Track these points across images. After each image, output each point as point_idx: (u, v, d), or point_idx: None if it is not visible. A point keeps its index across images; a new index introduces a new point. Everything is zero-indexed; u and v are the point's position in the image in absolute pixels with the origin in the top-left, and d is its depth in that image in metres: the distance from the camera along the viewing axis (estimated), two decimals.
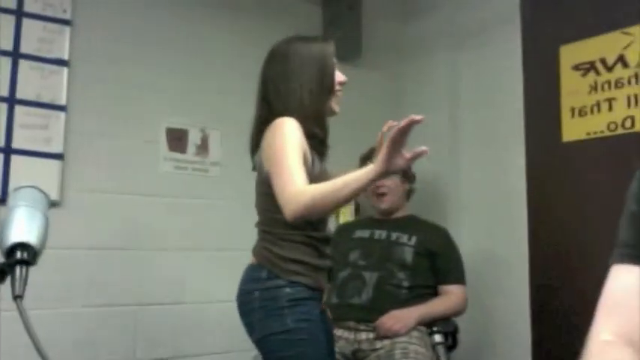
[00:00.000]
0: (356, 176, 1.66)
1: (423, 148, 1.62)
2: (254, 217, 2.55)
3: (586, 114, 2.65)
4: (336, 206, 1.74)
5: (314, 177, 1.79)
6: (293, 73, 1.90)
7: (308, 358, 1.85)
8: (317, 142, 1.90)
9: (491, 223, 2.99)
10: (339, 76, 1.96)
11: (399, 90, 3.46)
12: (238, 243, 2.77)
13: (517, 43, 2.91)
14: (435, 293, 2.64)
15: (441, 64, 3.26)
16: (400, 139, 1.60)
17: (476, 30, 3.16)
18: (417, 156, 1.62)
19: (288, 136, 1.79)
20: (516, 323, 2.79)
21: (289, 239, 1.91)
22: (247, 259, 2.81)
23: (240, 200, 2.48)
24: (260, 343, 1.89)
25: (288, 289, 1.87)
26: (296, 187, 1.69)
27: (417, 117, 1.57)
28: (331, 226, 2.12)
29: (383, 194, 2.81)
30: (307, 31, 3.19)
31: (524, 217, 2.80)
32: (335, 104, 1.96)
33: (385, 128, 1.93)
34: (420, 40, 3.39)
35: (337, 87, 1.94)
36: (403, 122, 1.58)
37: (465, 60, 3.22)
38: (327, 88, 1.92)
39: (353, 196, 1.71)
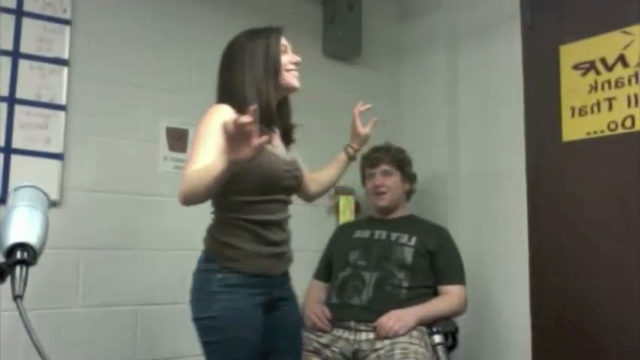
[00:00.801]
0: (213, 164, 1.65)
1: (265, 137, 1.58)
2: None
3: (586, 113, 2.65)
4: (204, 191, 1.69)
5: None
6: (237, 64, 1.96)
7: (230, 347, 1.86)
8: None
9: (492, 223, 2.99)
10: (293, 57, 2.02)
11: (399, 89, 3.46)
12: None
13: (517, 42, 2.91)
14: (435, 293, 2.64)
15: (441, 63, 3.26)
16: (236, 131, 1.54)
17: (475, 29, 3.16)
18: (261, 144, 1.57)
19: (206, 122, 1.82)
20: (516, 323, 2.80)
21: (228, 223, 1.93)
22: None
23: None
24: (193, 324, 1.91)
25: (219, 275, 1.88)
26: (185, 171, 1.74)
27: (247, 118, 1.52)
28: (278, 212, 2.01)
29: (382, 193, 2.81)
30: (307, 30, 3.22)
31: (525, 217, 2.80)
32: (291, 80, 2.00)
33: (356, 110, 2.34)
34: (419, 40, 3.39)
35: (291, 66, 1.99)
36: (240, 119, 1.53)
37: (464, 59, 3.22)
38: (272, 70, 1.95)
39: (215, 183, 1.65)
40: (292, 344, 2.09)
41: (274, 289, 1.98)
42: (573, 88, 2.70)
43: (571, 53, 2.72)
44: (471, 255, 2.87)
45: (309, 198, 2.33)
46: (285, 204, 2.04)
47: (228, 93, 1.94)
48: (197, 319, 1.90)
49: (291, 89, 2.03)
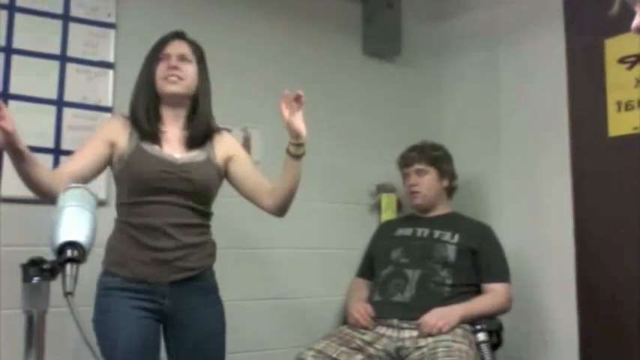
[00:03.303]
0: None
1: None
2: (292, 216, 2.56)
3: (632, 108, 2.59)
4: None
5: (126, 156, 1.95)
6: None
7: (104, 351, 1.80)
8: (139, 127, 1.99)
9: (536, 220, 2.94)
10: (170, 63, 2.02)
11: (439, 87, 3.44)
12: (274, 241, 2.79)
13: (560, 36, 2.86)
14: (478, 291, 2.62)
15: (481, 60, 3.23)
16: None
17: (516, 25, 3.11)
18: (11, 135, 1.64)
19: None
20: (563, 322, 2.75)
21: (116, 227, 2.00)
22: (279, 257, 2.83)
23: None
24: None
25: (103, 278, 1.95)
26: None
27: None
28: (163, 216, 1.95)
29: (416, 192, 2.81)
30: (347, 29, 3.22)
31: (570, 213, 2.75)
32: (165, 87, 2.02)
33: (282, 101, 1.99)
34: (459, 37, 3.36)
35: (166, 72, 2.01)
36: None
37: (505, 56, 3.17)
38: (144, 83, 2.05)
39: (17, 172, 1.76)
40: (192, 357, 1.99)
41: (165, 300, 1.93)
42: (619, 83, 2.64)
43: (616, 47, 2.66)
44: (516, 252, 2.83)
45: (271, 211, 2.13)
46: (182, 208, 1.97)
47: None
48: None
49: (168, 96, 2.04)
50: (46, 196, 1.82)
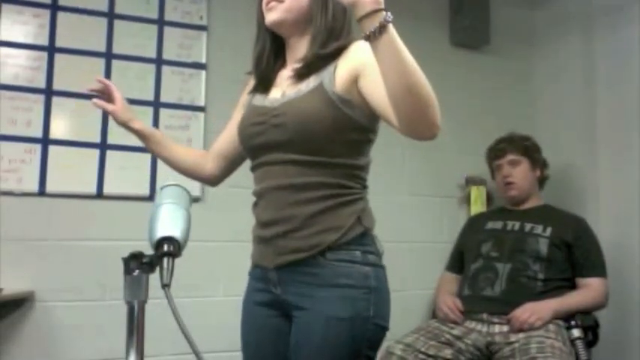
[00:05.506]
0: None
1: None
2: (381, 209, 2.56)
3: None
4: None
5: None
6: None
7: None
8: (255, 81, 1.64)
9: (634, 211, 2.82)
10: None
11: (531, 77, 3.36)
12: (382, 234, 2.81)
13: None
14: (572, 286, 2.54)
15: (575, 48, 3.12)
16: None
17: (613, 9, 2.98)
18: (98, 104, 1.68)
19: None
20: None
21: None
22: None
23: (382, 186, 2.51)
24: None
25: None
26: None
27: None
28: (269, 178, 1.54)
29: (511, 183, 2.75)
30: (434, 19, 3.19)
31: None
32: (267, 16, 1.55)
33: None
34: (551, 24, 3.26)
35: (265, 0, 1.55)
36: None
37: (600, 42, 3.05)
38: (257, 28, 1.64)
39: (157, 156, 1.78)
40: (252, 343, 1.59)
41: (276, 288, 1.49)
42: None
43: None
44: (613, 246, 2.73)
45: (401, 131, 1.33)
46: (288, 165, 1.47)
47: None
48: None
49: (273, 28, 1.56)
50: (190, 177, 1.78)
